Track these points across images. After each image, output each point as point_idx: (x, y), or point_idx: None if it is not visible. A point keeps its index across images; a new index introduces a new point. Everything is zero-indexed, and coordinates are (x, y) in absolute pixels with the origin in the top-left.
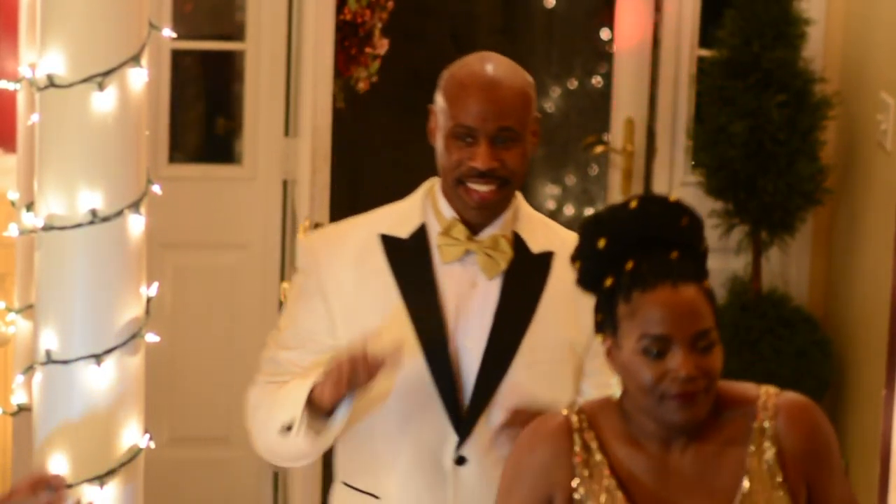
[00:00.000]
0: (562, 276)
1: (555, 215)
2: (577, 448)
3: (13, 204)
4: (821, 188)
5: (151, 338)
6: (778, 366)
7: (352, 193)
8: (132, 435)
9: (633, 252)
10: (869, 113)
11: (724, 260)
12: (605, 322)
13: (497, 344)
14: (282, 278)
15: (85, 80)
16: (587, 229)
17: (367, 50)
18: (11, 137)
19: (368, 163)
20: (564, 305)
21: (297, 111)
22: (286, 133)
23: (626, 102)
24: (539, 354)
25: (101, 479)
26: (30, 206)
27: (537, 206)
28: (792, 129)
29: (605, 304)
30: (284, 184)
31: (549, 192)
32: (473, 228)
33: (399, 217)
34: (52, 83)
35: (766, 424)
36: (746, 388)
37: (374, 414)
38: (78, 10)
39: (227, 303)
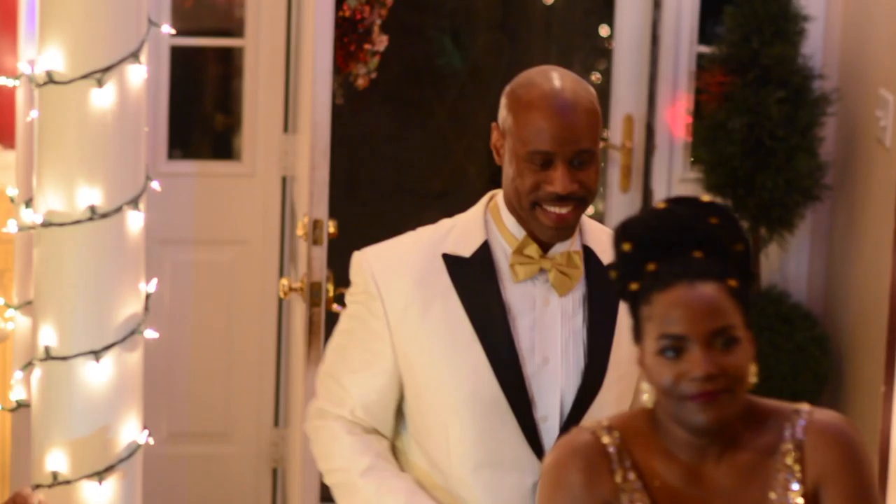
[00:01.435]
0: None
1: None
2: (617, 469)
3: (12, 200)
4: (820, 184)
5: (150, 334)
6: (777, 362)
7: (351, 189)
8: (131, 431)
9: (658, 255)
10: (868, 109)
11: None
12: (635, 329)
13: (594, 361)
14: (280, 274)
15: (84, 77)
16: (615, 236)
17: (367, 46)
18: (10, 134)
19: (368, 159)
20: None
21: (296, 107)
22: (285, 129)
23: (626, 99)
24: (624, 368)
25: (99, 475)
26: (29, 203)
27: None
28: (791, 126)
29: (632, 310)
30: (283, 180)
31: None
32: (543, 245)
33: (460, 234)
34: (51, 79)
35: (790, 446)
36: (781, 403)
37: (451, 441)
38: (77, 7)
39: (225, 299)
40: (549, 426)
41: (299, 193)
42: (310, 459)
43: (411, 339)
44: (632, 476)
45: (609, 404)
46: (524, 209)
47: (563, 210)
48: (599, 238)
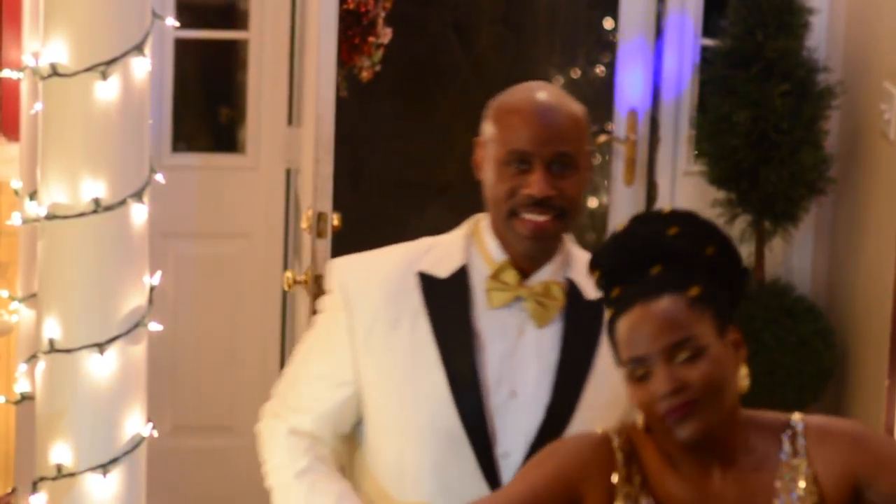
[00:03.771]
0: None
1: None
2: (619, 466)
3: (16, 193)
4: (824, 178)
5: (154, 327)
6: (781, 355)
7: (355, 182)
8: (135, 424)
9: (621, 279)
10: (872, 102)
11: None
12: (614, 356)
13: (560, 398)
14: (284, 267)
15: (88, 69)
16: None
17: (370, 39)
18: (15, 126)
19: (371, 152)
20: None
21: (300, 100)
22: (289, 122)
23: (629, 92)
24: (597, 412)
25: (103, 467)
26: (33, 195)
27: None
28: (795, 119)
29: (609, 338)
30: (287, 173)
31: None
32: (524, 272)
33: (439, 255)
34: (55, 72)
35: (795, 461)
36: (775, 413)
37: (405, 467)
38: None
39: (229, 292)
40: (510, 462)
41: (303, 186)
42: None
43: (374, 356)
44: (637, 480)
45: None
46: (501, 219)
47: (541, 218)
48: (585, 271)
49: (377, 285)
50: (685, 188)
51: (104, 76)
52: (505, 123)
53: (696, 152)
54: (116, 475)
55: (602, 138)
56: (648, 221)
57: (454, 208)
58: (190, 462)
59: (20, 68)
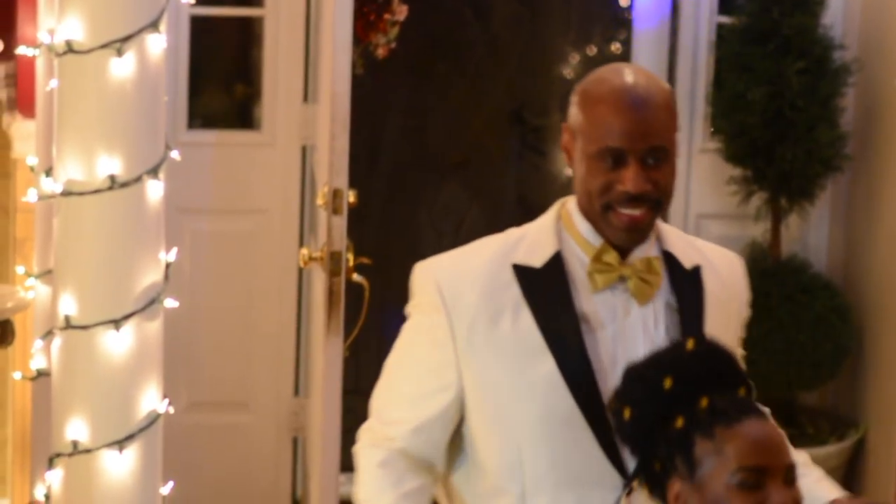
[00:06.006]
0: (711, 289)
1: (571, 183)
2: None
3: (32, 169)
4: (840, 155)
5: (170, 303)
6: (797, 332)
7: (371, 159)
8: (151, 400)
9: (700, 391)
10: (888, 79)
11: (743, 227)
12: (674, 464)
13: None
14: (300, 244)
15: (104, 46)
16: (643, 373)
17: (386, 16)
18: (30, 103)
19: (387, 129)
20: (718, 318)
21: (315, 77)
22: (305, 99)
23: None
24: None
25: (120, 444)
26: (49, 172)
27: (556, 175)
28: (811, 96)
29: (675, 446)
30: (303, 149)
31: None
32: (622, 251)
33: (530, 244)
34: (70, 49)
35: None
36: None
37: (525, 461)
38: None
39: (245, 268)
40: None
41: (319, 163)
42: (330, 428)
43: (478, 354)
44: None
45: None
46: (596, 212)
47: (636, 212)
48: (676, 243)
49: (473, 282)
50: (701, 165)
51: (119, 53)
52: (595, 116)
53: (712, 129)
54: (132, 451)
55: None
56: (716, 345)
57: (469, 185)
58: (206, 438)
59: (36, 45)
